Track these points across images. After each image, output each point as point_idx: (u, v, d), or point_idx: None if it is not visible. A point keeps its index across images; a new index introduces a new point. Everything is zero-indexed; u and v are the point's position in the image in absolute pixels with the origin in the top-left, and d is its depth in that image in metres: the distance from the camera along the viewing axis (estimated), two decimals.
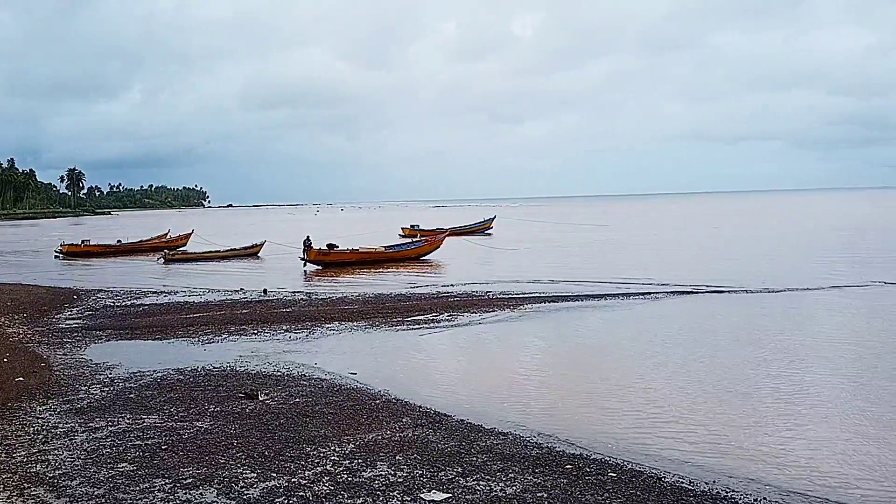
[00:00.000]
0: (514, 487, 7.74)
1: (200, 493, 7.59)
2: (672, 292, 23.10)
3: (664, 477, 8.23)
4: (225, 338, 17.13)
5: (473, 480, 7.95)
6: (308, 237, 36.04)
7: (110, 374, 13.41)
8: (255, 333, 17.66)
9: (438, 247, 39.82)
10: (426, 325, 18.38)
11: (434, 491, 7.62)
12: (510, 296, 23.11)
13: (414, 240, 42.75)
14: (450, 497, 7.45)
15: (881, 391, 11.79)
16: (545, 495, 7.52)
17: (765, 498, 7.69)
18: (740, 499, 7.60)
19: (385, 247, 38.86)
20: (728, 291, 23.09)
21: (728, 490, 7.86)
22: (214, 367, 13.86)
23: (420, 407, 11.15)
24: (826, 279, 25.16)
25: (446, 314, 19.85)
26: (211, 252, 44.39)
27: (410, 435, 9.61)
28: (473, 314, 19.87)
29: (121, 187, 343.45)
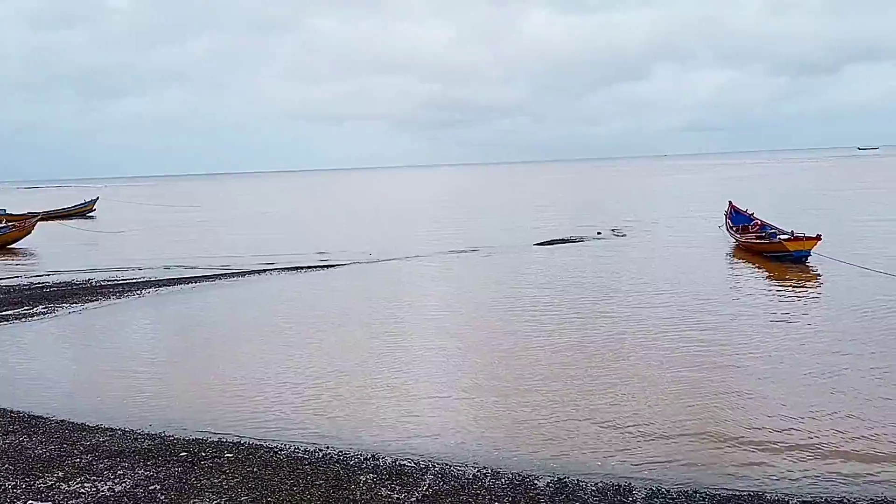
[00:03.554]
0: (124, 484, 7.33)
1: None
2: (285, 269, 23.49)
3: (280, 450, 8.40)
4: None
5: (77, 483, 7.36)
6: None
7: None
8: None
9: (29, 233, 35.71)
10: (17, 321, 16.47)
11: (31, 502, 6.91)
12: (117, 282, 21.65)
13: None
14: None
15: (478, 348, 13.26)
16: (158, 487, 7.24)
17: (379, 451, 8.24)
18: (352, 461, 8.04)
19: None
20: (338, 265, 24.11)
21: (341, 454, 8.26)
22: None
23: (11, 412, 10.03)
24: (423, 248, 27.49)
25: (42, 306, 17.97)
26: None
27: (0, 444, 8.58)
28: (75, 304, 18.26)
29: None
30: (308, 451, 8.41)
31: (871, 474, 7.35)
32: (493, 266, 23.32)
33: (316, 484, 7.32)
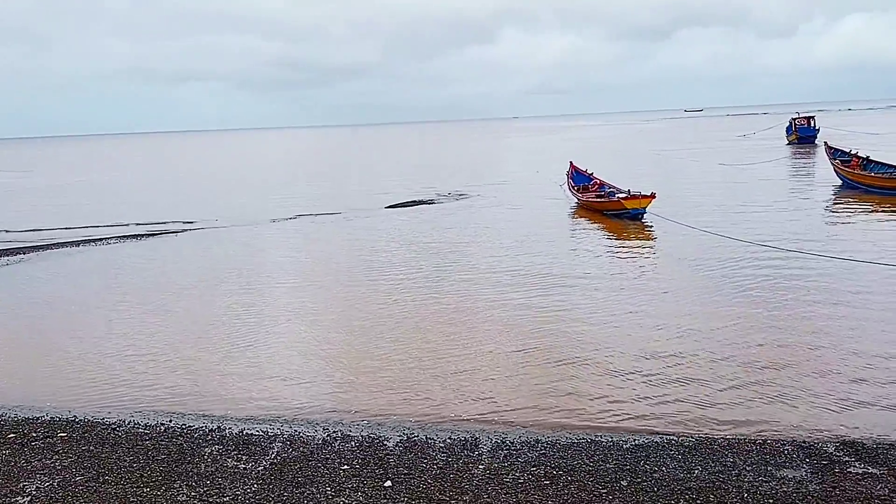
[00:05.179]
0: None
1: None
2: (125, 236, 22.41)
3: (119, 427, 8.05)
4: None
5: None
6: None
7: None
8: None
9: None
10: None
11: None
12: None
13: None
14: None
15: (328, 313, 13.16)
16: None
17: (225, 422, 8.06)
18: (196, 434, 7.81)
19: None
20: (181, 231, 23.23)
21: (185, 427, 8.02)
22: None
23: None
24: (271, 213, 26.92)
25: None
26: None
27: None
28: None
29: None
30: (149, 426, 8.10)
31: (697, 420, 7.89)
32: (343, 230, 23.15)
33: (157, 459, 7.07)
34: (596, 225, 21.39)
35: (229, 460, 7.03)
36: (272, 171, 55.17)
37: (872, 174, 25.15)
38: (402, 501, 6.08)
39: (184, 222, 25.26)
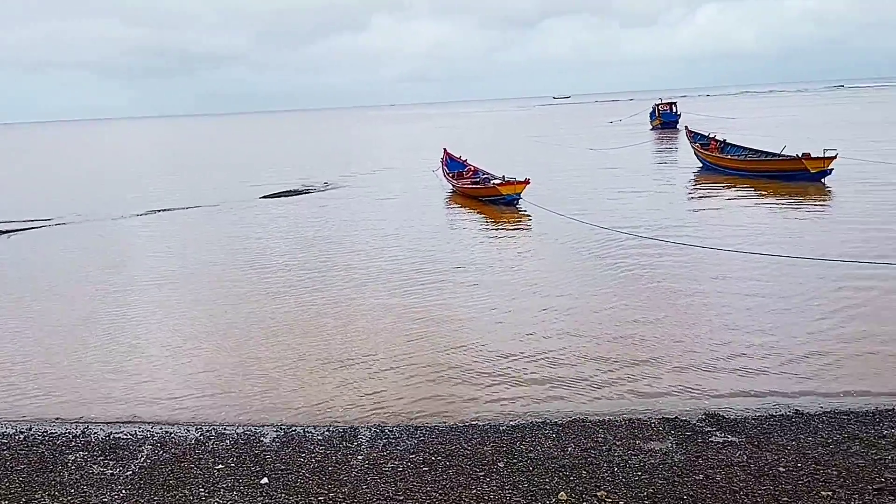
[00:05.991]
0: None
1: None
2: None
3: None
4: None
5: None
6: None
7: None
8: None
9: None
10: None
11: None
12: None
13: None
14: None
15: (199, 307, 12.74)
16: None
17: (90, 426, 7.67)
18: (59, 440, 7.43)
19: None
20: (36, 228, 21.98)
21: (46, 434, 7.61)
22: None
23: None
24: (136, 207, 25.83)
25: None
26: None
27: None
28: None
29: None
30: (7, 434, 7.64)
31: (570, 405, 8.12)
32: (215, 223, 22.48)
33: (17, 470, 6.68)
34: (471, 212, 21.60)
35: (95, 466, 6.71)
36: (137, 163, 52.91)
37: (729, 157, 26.60)
38: (279, 498, 5.98)
39: (40, 219, 23.84)
